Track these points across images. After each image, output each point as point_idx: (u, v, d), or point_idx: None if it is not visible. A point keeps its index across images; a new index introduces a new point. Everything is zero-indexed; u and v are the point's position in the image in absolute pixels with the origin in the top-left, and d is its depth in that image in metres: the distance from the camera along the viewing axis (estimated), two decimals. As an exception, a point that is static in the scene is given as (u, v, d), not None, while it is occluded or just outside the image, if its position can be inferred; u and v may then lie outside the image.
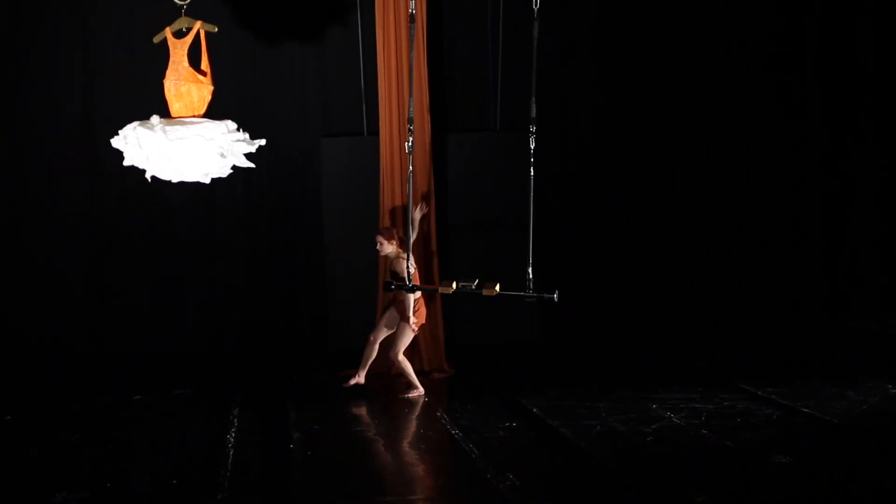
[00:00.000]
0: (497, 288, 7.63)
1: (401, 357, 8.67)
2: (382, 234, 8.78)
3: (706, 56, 11.59)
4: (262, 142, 8.08)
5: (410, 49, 8.28)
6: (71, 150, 10.54)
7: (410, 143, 7.97)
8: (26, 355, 10.29)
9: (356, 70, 10.63)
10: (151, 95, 8.55)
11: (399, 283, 8.08)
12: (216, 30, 8.17)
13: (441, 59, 10.82)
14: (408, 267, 8.04)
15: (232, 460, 7.00)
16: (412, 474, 6.93)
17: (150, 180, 7.94)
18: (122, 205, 10.62)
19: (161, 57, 8.12)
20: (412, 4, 7.98)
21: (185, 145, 7.66)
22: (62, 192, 10.57)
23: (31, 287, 10.53)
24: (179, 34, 8.05)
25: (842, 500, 6.10)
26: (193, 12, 8.17)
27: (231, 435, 7.63)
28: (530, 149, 7.74)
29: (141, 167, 7.86)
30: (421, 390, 8.80)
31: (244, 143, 7.95)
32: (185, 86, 7.91)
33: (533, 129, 7.75)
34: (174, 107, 7.94)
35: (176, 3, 8.17)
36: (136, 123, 7.76)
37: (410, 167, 8.07)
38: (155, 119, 7.69)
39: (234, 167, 8.04)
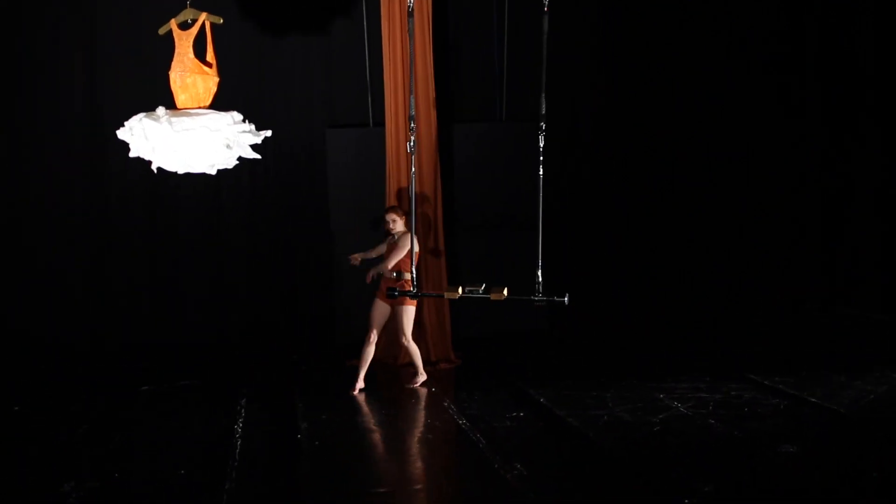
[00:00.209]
0: (505, 292, 7.53)
1: (410, 339, 8.69)
2: (395, 212, 8.75)
3: (706, 56, 11.58)
4: (268, 133, 8.07)
5: (410, 46, 8.25)
6: (72, 149, 10.53)
7: (412, 143, 7.89)
8: (27, 354, 10.26)
9: (362, 61, 10.63)
10: (157, 87, 8.54)
11: (403, 291, 8.05)
12: (221, 21, 8.16)
13: (447, 51, 10.81)
14: (411, 263, 8.07)
15: (240, 450, 7.03)
16: (420, 464, 6.94)
17: (156, 171, 7.94)
18: (123, 203, 10.62)
19: (166, 49, 8.11)
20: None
21: (191, 137, 7.64)
22: (63, 192, 10.55)
23: (32, 286, 10.50)
24: (185, 26, 8.04)
25: (849, 490, 6.11)
26: (198, 4, 8.16)
27: (238, 425, 7.65)
28: (539, 147, 7.55)
29: (147, 158, 7.85)
30: (424, 376, 8.85)
31: (250, 135, 7.93)
32: (191, 77, 7.90)
33: (543, 125, 7.56)
34: (180, 98, 7.93)
35: (181, -5, 8.17)
36: (142, 115, 7.74)
37: (413, 168, 7.89)
38: (161, 110, 7.68)
39: (239, 158, 8.02)
